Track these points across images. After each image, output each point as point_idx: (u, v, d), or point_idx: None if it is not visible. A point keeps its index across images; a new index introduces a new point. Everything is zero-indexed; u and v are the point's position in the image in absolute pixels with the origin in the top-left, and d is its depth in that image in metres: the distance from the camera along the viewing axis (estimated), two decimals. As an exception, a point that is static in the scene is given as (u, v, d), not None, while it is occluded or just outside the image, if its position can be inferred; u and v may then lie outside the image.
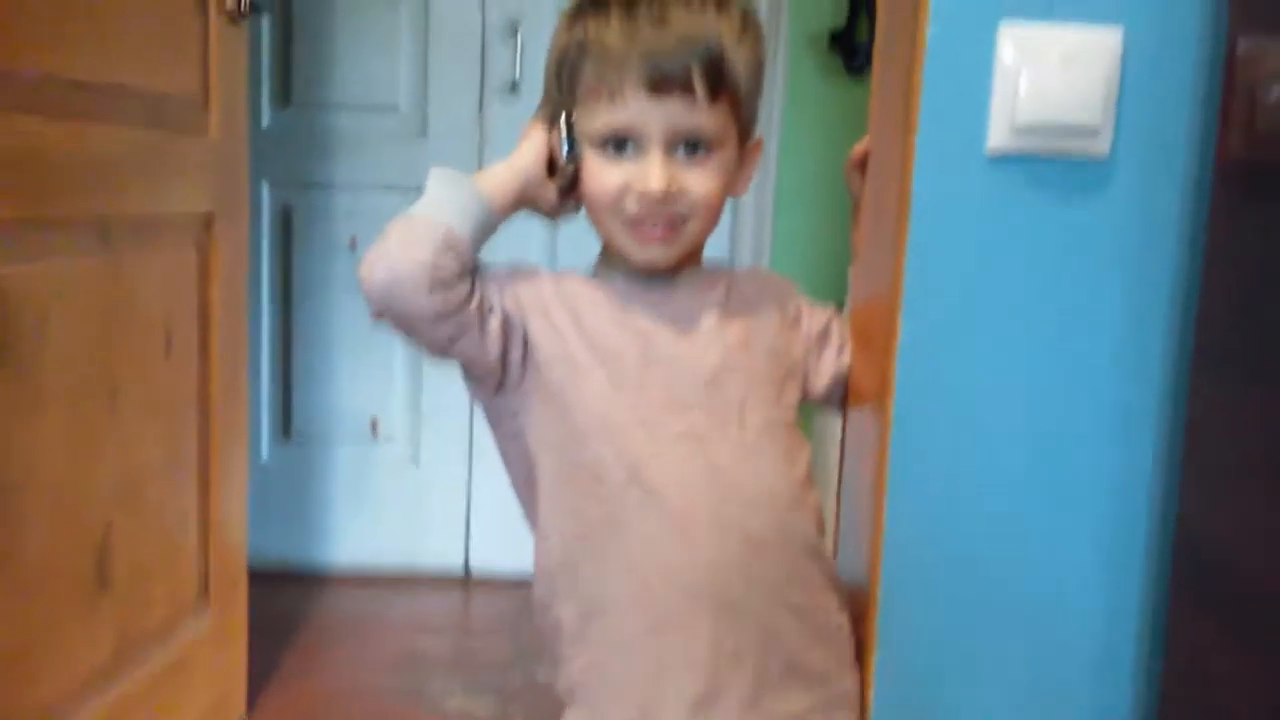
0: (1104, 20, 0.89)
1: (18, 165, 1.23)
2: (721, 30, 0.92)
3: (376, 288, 0.88)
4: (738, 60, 0.93)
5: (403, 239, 0.88)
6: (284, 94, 2.46)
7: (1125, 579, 0.96)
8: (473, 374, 0.97)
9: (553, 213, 1.00)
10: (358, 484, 2.59)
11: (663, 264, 0.96)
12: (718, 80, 0.92)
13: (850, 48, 2.34)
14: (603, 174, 0.94)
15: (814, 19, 2.40)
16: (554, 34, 0.98)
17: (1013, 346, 0.93)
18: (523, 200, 0.97)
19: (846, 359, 1.05)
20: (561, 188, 0.97)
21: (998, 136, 0.90)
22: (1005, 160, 0.91)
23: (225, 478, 1.76)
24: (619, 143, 0.93)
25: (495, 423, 1.00)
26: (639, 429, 0.92)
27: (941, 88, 0.91)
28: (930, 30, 0.90)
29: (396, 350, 2.53)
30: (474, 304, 0.91)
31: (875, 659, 0.96)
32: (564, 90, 0.96)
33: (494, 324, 0.93)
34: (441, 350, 0.93)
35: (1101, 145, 0.90)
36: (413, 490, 2.62)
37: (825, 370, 1.04)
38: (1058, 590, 0.96)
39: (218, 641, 1.77)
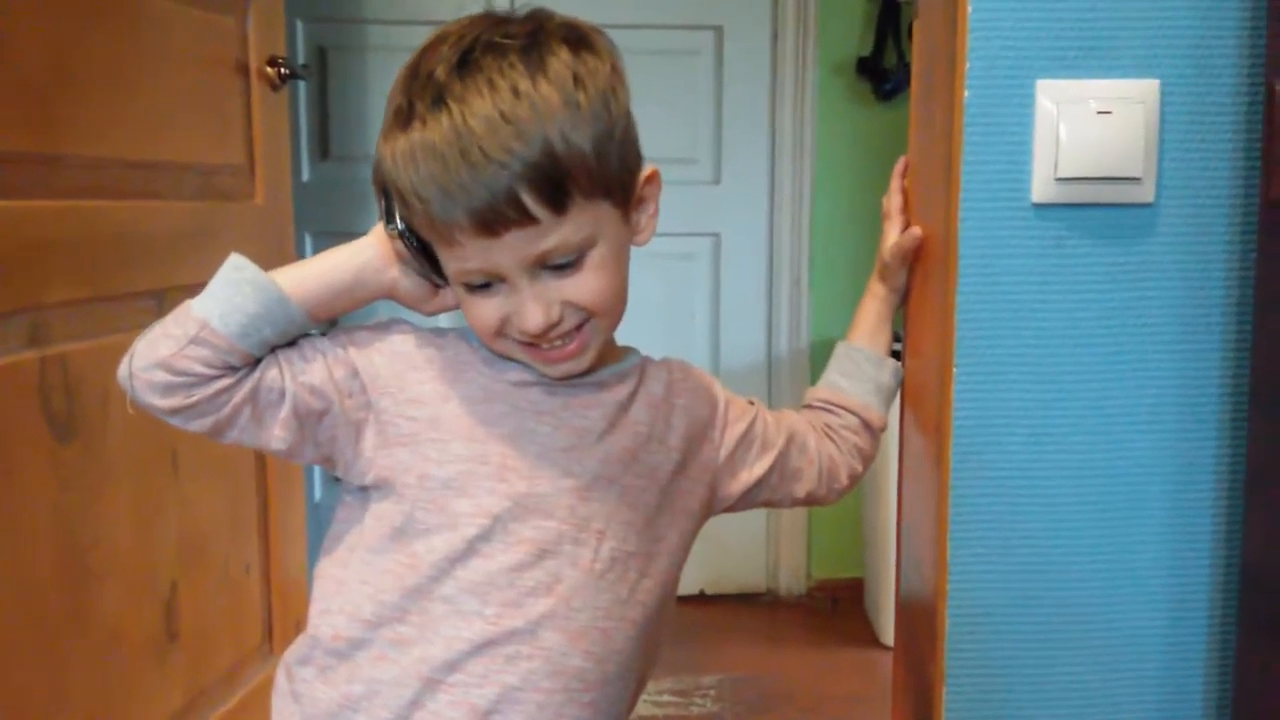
0: (1139, 73, 0.91)
1: (79, 247, 1.26)
2: (544, 123, 0.74)
3: (120, 376, 0.81)
4: (578, 143, 0.75)
5: (157, 331, 0.80)
6: (323, 148, 2.50)
7: (1191, 613, 0.97)
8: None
9: (422, 305, 0.87)
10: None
11: (579, 372, 0.84)
12: (558, 191, 0.75)
13: (878, 74, 2.36)
14: (476, 310, 0.81)
15: (841, 47, 2.42)
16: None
17: (1068, 385, 0.94)
18: (361, 293, 0.84)
19: (764, 463, 0.95)
20: (423, 275, 0.84)
21: (1041, 188, 0.92)
22: (1051, 209, 0.92)
23: (284, 527, 1.79)
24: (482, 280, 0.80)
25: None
26: (483, 520, 0.81)
27: (982, 143, 0.92)
28: (969, 90, 0.91)
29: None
30: (235, 398, 0.80)
31: (944, 692, 0.97)
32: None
33: (282, 413, 0.81)
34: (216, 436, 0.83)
35: (1145, 193, 0.91)
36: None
37: (740, 480, 0.94)
38: (1124, 625, 0.97)
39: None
